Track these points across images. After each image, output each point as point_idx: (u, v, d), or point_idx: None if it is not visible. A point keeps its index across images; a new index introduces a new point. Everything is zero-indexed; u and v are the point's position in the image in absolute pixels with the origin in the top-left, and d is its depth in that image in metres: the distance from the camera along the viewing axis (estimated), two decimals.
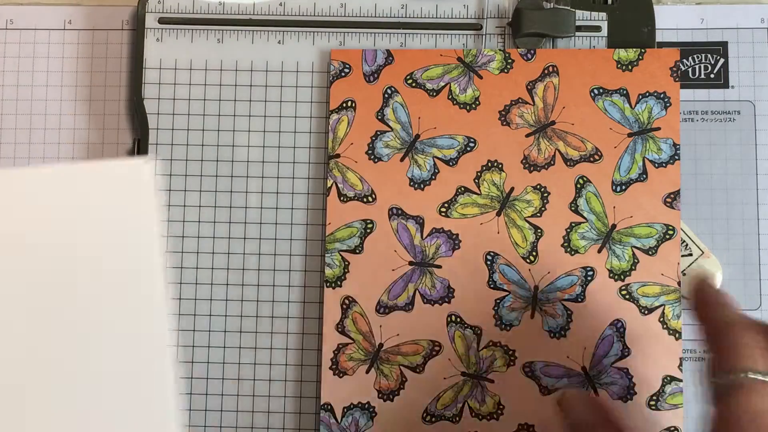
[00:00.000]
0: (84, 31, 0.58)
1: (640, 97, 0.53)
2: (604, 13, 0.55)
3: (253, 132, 0.55)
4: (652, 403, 0.51)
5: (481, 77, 0.54)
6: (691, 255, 0.54)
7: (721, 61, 0.56)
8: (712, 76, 0.56)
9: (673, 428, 0.51)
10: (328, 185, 0.53)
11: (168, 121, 0.55)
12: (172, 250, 0.55)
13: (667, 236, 0.52)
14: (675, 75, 0.53)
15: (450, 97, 0.54)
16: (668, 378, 0.51)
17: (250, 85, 0.56)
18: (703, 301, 0.45)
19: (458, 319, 0.52)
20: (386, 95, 0.54)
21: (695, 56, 0.56)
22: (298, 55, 0.56)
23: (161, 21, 0.56)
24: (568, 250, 0.52)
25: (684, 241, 0.54)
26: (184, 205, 0.55)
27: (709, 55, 0.56)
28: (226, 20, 0.56)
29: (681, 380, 0.51)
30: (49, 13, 0.58)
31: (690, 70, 0.56)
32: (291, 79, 0.55)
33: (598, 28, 0.55)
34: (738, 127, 0.55)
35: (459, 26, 0.55)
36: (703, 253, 0.54)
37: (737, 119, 0.55)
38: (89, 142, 0.57)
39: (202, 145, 0.55)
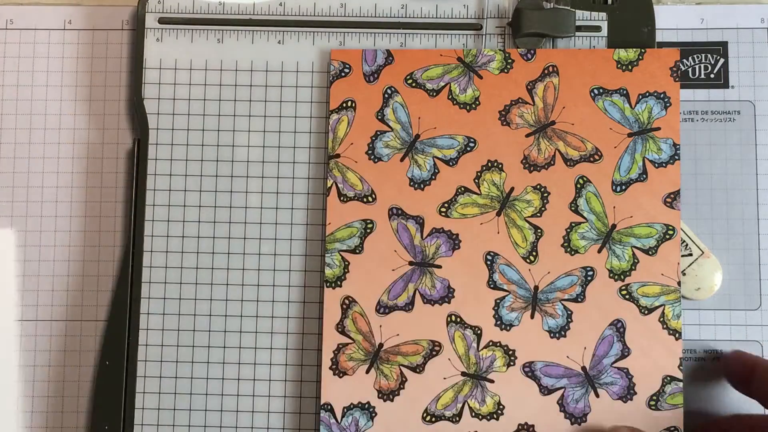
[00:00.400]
0: (84, 31, 0.58)
1: (640, 97, 0.53)
2: (604, 13, 0.55)
3: (253, 132, 0.55)
4: (652, 403, 0.51)
5: (481, 77, 0.54)
6: (691, 255, 0.54)
7: (721, 61, 0.56)
8: (712, 76, 0.56)
9: (673, 428, 0.51)
10: (328, 185, 0.54)
11: (168, 121, 0.56)
12: (173, 250, 0.55)
13: (667, 236, 0.52)
14: (675, 75, 0.53)
15: (450, 97, 0.54)
16: (668, 378, 0.51)
17: (250, 85, 0.56)
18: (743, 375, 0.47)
19: (458, 319, 0.52)
20: (386, 95, 0.54)
21: (695, 56, 0.56)
22: (298, 55, 0.56)
23: (161, 21, 0.56)
24: (568, 250, 0.52)
25: (684, 241, 0.54)
26: (184, 205, 0.55)
27: (709, 55, 0.56)
28: (226, 20, 0.56)
29: (681, 380, 0.51)
30: (49, 13, 0.58)
31: (690, 70, 0.56)
32: (291, 79, 0.56)
33: (598, 28, 0.55)
34: (738, 127, 0.55)
35: (459, 26, 0.56)
36: (703, 253, 0.54)
37: (737, 119, 0.55)
38: (89, 142, 0.57)
39: (202, 145, 0.55)
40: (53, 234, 0.57)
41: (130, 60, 0.57)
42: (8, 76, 0.58)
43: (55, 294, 0.56)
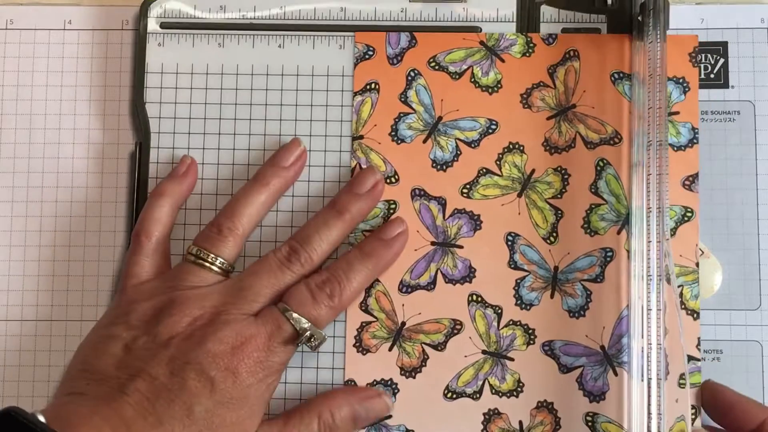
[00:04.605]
0: (84, 31, 0.59)
1: None
2: (604, 15, 0.57)
3: (254, 135, 0.57)
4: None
5: (503, 61, 0.57)
6: None
7: (721, 61, 0.58)
8: (712, 76, 0.57)
9: (692, 406, 0.53)
10: (352, 166, 0.57)
11: (170, 124, 0.57)
12: (173, 253, 0.56)
13: (686, 218, 0.55)
14: (694, 61, 0.56)
15: (472, 80, 0.57)
16: (687, 357, 0.54)
17: (251, 89, 0.58)
18: None
19: (479, 299, 0.55)
20: (409, 78, 0.57)
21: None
22: (299, 59, 0.57)
23: (163, 26, 0.58)
24: (588, 231, 0.55)
25: None
26: (185, 208, 0.57)
27: (709, 55, 0.58)
28: (227, 24, 0.58)
29: (699, 359, 0.54)
30: (49, 13, 0.60)
31: None
32: (291, 83, 0.57)
33: (597, 30, 0.57)
34: (738, 127, 0.57)
35: (458, 29, 0.58)
36: (703, 253, 0.56)
37: (737, 119, 0.57)
38: (89, 142, 0.59)
39: (203, 148, 0.57)
40: (53, 234, 0.58)
41: (131, 60, 0.59)
42: (8, 76, 0.59)
43: (55, 294, 0.57)
